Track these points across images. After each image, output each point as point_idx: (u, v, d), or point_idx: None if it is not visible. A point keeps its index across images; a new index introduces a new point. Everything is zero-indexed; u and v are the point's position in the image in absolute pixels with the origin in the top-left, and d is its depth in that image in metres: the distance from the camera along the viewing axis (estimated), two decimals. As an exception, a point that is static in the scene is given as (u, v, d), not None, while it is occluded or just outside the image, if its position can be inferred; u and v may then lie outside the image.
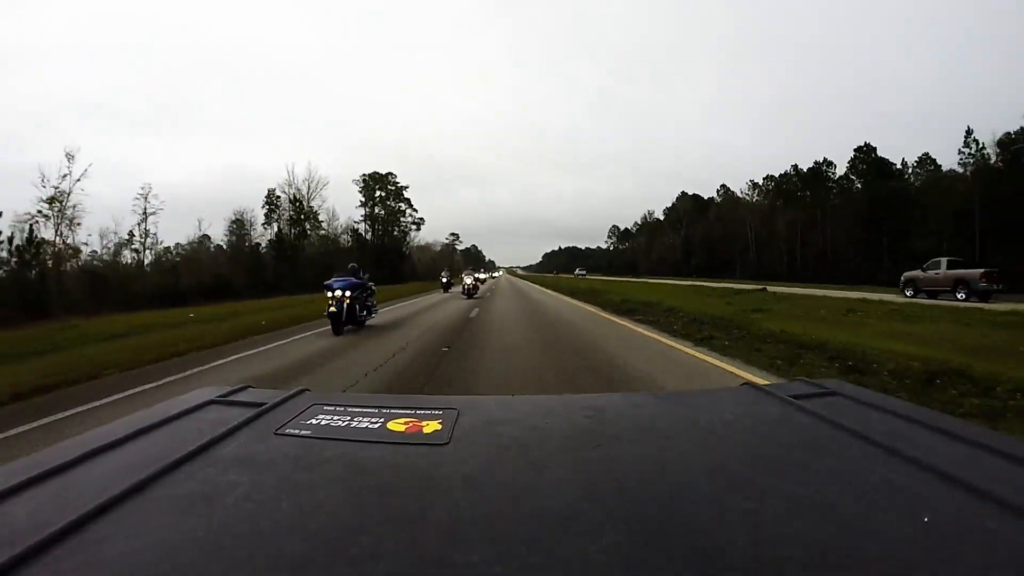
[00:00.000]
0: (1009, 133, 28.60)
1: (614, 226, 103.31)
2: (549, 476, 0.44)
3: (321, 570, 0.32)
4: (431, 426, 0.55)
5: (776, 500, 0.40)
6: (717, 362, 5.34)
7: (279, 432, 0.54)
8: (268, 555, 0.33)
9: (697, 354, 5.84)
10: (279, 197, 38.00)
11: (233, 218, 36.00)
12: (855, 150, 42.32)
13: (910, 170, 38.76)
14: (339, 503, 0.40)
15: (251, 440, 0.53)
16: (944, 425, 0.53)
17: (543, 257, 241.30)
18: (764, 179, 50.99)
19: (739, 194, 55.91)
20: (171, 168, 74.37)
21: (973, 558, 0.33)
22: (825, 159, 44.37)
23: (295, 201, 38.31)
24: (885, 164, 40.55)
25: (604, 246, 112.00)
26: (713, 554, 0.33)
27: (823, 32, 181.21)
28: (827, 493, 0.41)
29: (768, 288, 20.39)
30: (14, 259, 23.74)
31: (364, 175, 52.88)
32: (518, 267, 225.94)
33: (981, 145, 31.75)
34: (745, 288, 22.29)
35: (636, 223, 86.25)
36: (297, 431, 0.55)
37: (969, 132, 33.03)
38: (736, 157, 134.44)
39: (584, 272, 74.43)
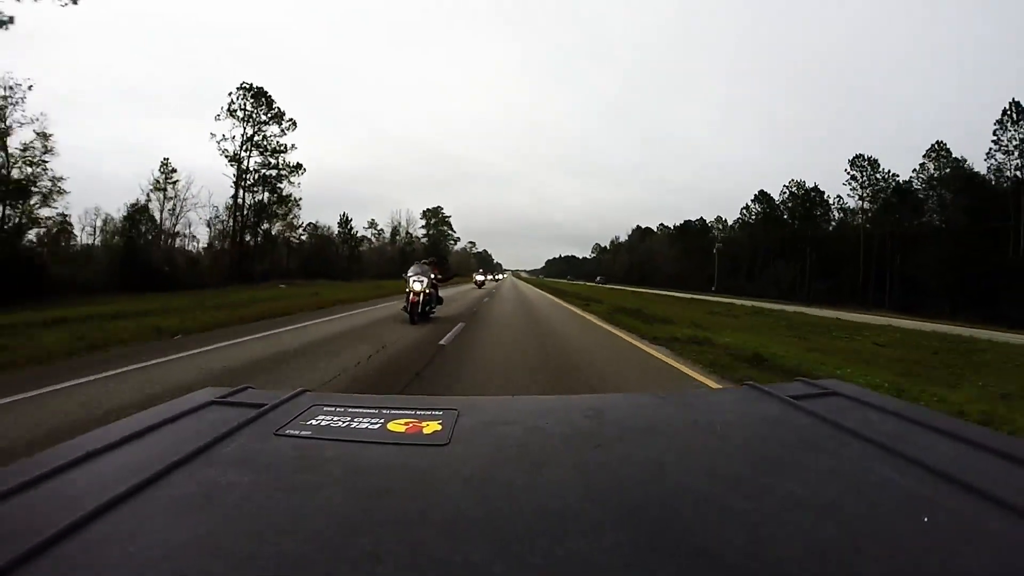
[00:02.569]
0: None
1: (596, 243, 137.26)
2: (549, 476, 0.45)
3: (321, 570, 0.32)
4: (431, 427, 0.55)
5: (776, 500, 0.40)
6: (551, 296, 24.25)
7: (279, 433, 0.55)
8: (268, 556, 0.33)
9: (549, 296, 24.89)
10: (396, 226, 71.18)
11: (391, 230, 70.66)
12: (696, 221, 71.82)
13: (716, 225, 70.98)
14: (339, 504, 0.40)
15: (251, 441, 0.53)
16: (944, 425, 0.54)
17: (546, 263, 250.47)
18: (682, 222, 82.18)
19: (670, 231, 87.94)
20: (184, 156, 75.66)
21: (972, 558, 0.33)
22: (687, 221, 75.66)
23: (407, 234, 72.45)
24: (705, 225, 72.46)
25: (591, 257, 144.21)
26: (713, 554, 0.33)
27: (835, 47, 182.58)
28: (827, 493, 0.41)
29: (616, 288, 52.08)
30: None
31: (426, 209, 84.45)
32: (523, 271, 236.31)
33: (744, 215, 63.23)
34: (616, 287, 53.12)
35: (611, 242, 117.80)
36: (297, 432, 0.55)
37: (744, 209, 63.69)
38: (749, 169, 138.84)
39: (543, 276, 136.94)
